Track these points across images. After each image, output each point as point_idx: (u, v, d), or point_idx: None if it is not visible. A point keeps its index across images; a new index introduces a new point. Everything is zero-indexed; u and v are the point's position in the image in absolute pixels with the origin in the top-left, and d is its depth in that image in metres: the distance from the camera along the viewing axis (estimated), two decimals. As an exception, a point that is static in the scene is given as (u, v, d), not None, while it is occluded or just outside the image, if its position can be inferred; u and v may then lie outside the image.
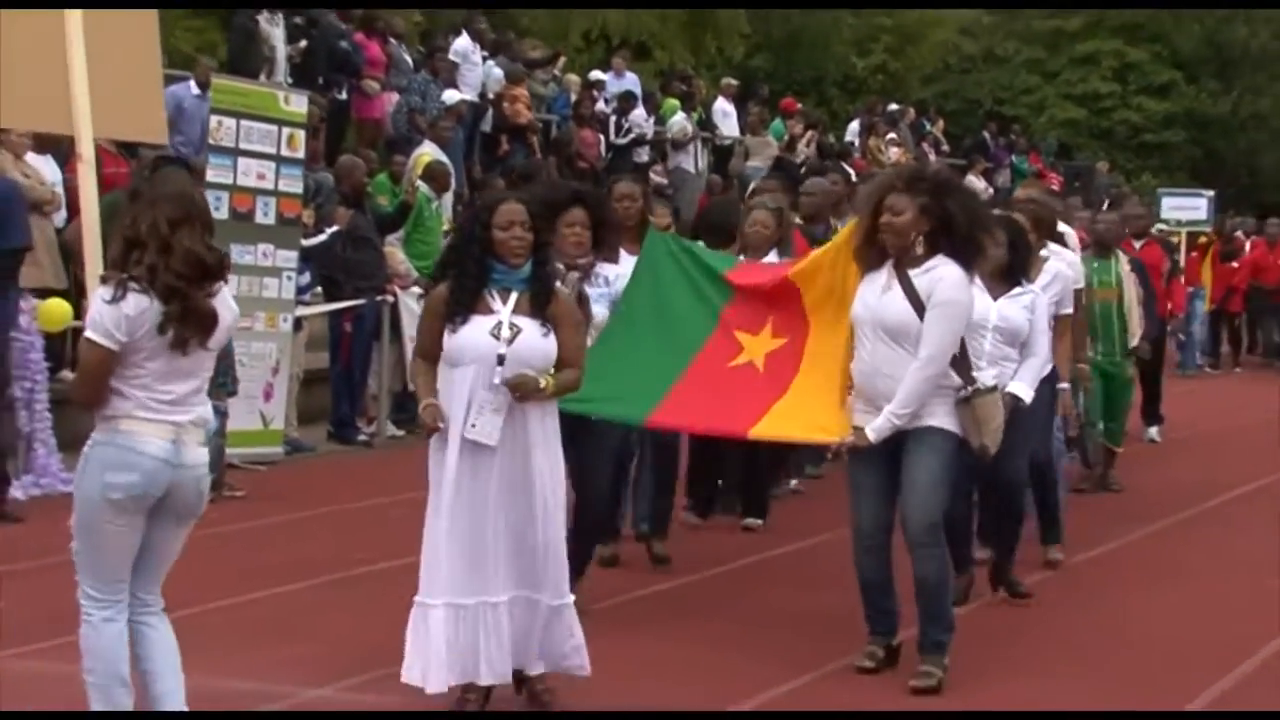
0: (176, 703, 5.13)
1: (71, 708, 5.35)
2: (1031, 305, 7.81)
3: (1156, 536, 10.39)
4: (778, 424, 7.15)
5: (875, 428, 6.39)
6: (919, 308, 6.35)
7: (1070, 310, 8.83)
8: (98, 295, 5.01)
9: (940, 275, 6.38)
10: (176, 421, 5.03)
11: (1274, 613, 8.09)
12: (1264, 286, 22.49)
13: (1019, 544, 8.39)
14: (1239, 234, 24.39)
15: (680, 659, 7.11)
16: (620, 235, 7.95)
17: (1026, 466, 8.27)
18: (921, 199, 6.38)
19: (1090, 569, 9.30)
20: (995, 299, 7.66)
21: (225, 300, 5.18)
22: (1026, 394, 7.69)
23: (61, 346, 11.39)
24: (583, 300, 7.37)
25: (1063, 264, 8.83)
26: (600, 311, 7.63)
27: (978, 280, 7.57)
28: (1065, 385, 8.95)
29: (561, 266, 7.15)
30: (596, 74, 23.14)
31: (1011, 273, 7.77)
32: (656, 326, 7.57)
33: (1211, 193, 25.53)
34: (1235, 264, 21.29)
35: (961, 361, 6.50)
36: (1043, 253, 8.53)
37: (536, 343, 6.01)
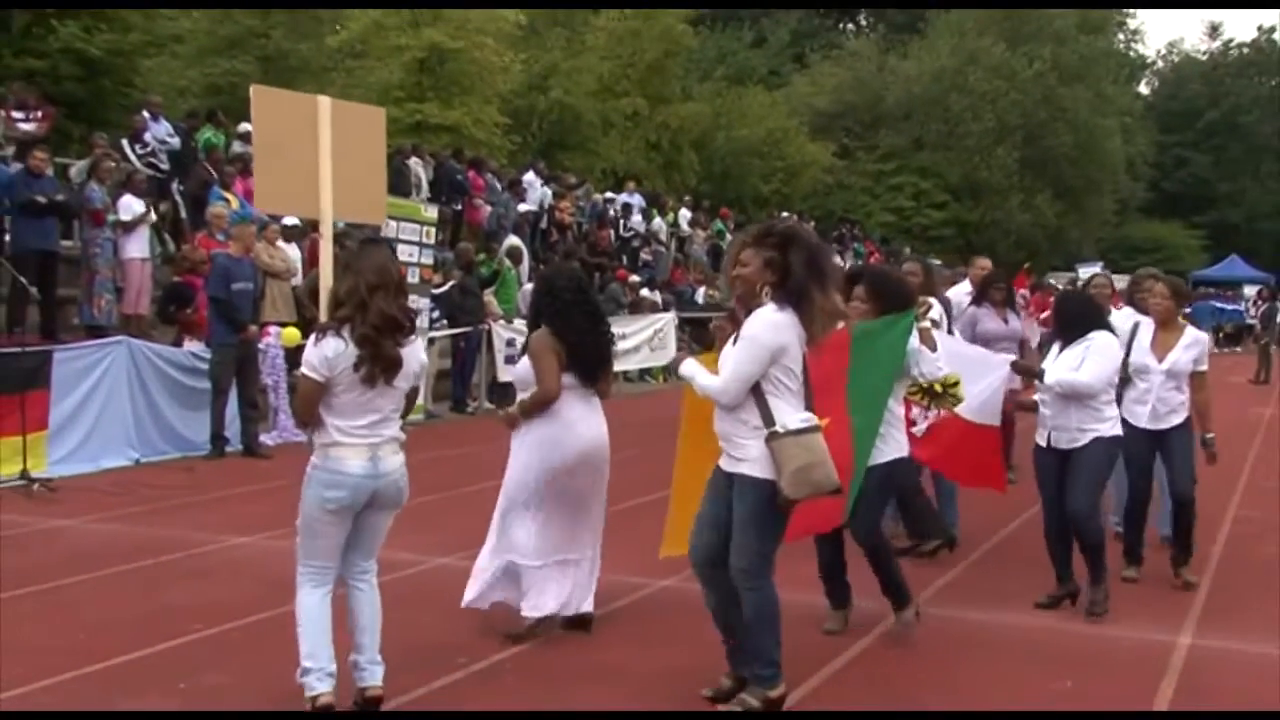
0: (370, 652, 4.27)
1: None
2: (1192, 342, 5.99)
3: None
4: None
5: None
6: None
7: (1205, 368, 6.19)
8: (309, 341, 4.13)
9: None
10: (372, 442, 4.13)
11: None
12: None
13: (1105, 574, 5.63)
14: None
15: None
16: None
17: (1093, 503, 5.52)
18: (767, 252, 4.14)
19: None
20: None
21: (416, 351, 4.23)
22: (1051, 377, 5.47)
23: (295, 355, 11.42)
24: None
25: (1199, 331, 6.34)
26: None
27: (1143, 337, 5.87)
28: (1211, 434, 6.20)
29: None
30: (609, 195, 23.14)
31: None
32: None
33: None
34: None
35: (760, 401, 4.11)
36: (1179, 319, 6.23)
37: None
